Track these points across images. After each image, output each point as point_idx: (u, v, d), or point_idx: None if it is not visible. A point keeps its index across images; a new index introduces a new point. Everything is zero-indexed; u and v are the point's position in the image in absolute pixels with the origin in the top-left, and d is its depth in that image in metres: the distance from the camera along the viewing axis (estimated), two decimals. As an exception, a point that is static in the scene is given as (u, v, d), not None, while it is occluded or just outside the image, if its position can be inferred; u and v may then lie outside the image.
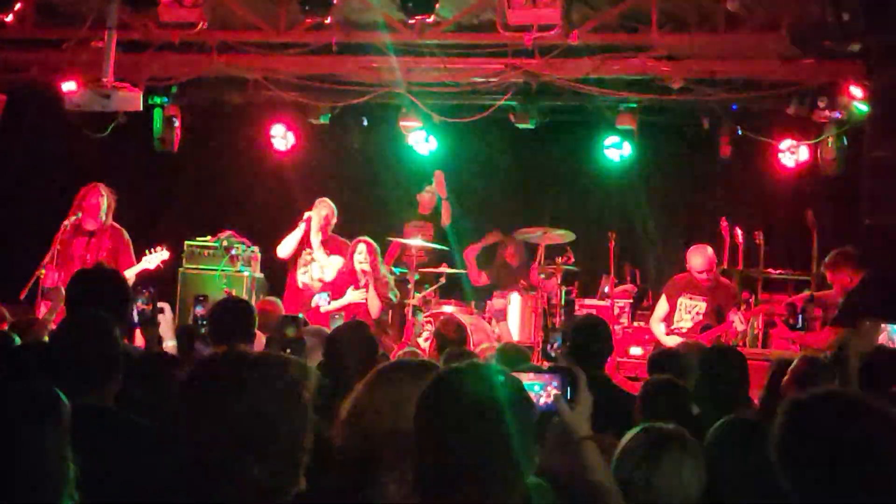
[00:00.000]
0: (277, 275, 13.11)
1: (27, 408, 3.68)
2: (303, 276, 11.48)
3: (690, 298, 10.74)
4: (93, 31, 10.91)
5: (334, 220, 11.79)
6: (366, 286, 11.40)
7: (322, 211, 11.64)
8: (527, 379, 3.34)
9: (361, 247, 11.53)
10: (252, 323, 6.70)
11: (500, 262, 13.62)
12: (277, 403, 2.71)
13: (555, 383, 3.43)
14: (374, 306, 11.44)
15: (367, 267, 11.44)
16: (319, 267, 11.52)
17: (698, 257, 10.78)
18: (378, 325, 11.04)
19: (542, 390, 3.43)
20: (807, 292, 11.18)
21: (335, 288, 11.37)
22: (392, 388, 3.32)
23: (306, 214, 11.61)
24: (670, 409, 5.18)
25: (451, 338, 8.91)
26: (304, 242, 11.70)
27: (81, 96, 10.18)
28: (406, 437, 3.20)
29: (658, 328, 10.97)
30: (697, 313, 10.69)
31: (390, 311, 11.95)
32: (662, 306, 10.99)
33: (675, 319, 10.79)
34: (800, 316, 10.20)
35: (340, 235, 11.96)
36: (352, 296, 11.41)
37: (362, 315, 11.31)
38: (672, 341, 10.39)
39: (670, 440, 3.95)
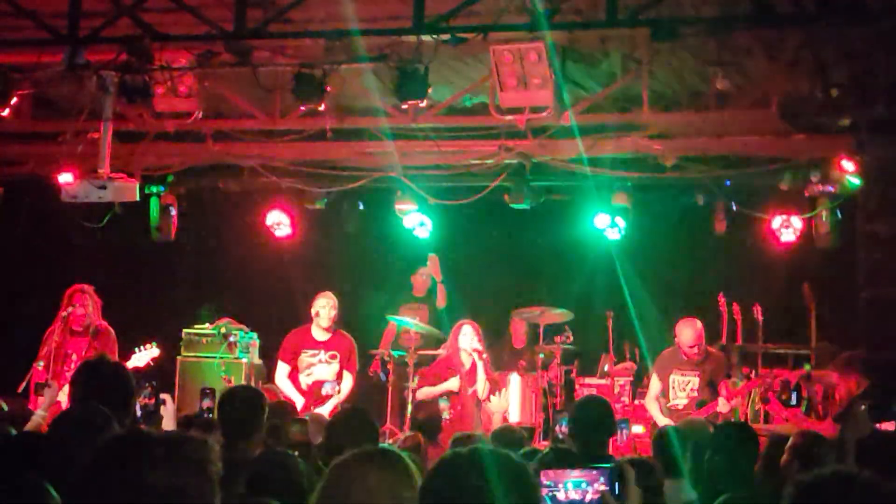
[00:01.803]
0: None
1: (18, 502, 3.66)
2: (306, 379, 11.23)
3: (682, 374, 10.70)
4: (88, 123, 11.00)
5: (335, 313, 11.45)
6: (473, 367, 11.50)
7: (332, 311, 11.34)
8: (573, 476, 3.32)
9: (467, 328, 11.62)
10: (263, 412, 6.67)
11: (506, 343, 13.62)
12: (185, 478, 2.70)
13: (602, 479, 3.41)
14: (483, 389, 11.46)
15: (477, 345, 11.49)
16: (323, 369, 11.27)
17: (688, 330, 10.77)
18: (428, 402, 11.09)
19: (588, 487, 3.41)
20: (803, 368, 11.17)
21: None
22: (358, 477, 3.30)
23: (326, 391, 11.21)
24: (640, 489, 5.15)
25: (419, 419, 8.95)
26: (302, 344, 11.38)
27: (78, 188, 10.22)
28: None
29: (653, 407, 10.91)
30: (692, 389, 10.65)
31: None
32: (655, 384, 10.95)
33: (670, 397, 10.74)
34: (794, 393, 10.18)
35: (340, 320, 11.87)
36: (450, 384, 11.44)
37: (465, 398, 11.40)
38: (664, 421, 10.34)
39: None
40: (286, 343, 11.54)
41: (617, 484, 3.45)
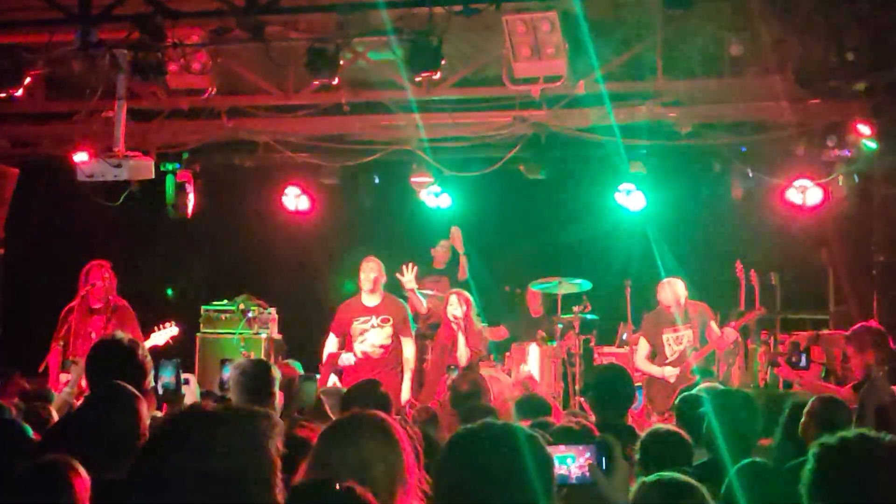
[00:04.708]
0: (295, 336, 13.13)
1: (45, 481, 3.71)
2: (361, 346, 11.24)
3: (675, 332, 10.98)
4: (102, 102, 10.98)
5: (384, 279, 11.46)
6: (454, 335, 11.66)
7: (371, 274, 11.32)
8: (559, 451, 3.35)
9: (453, 298, 11.82)
10: (272, 383, 6.70)
11: (523, 314, 13.66)
12: (246, 458, 2.63)
13: (588, 454, 3.44)
14: (463, 355, 11.56)
15: (458, 313, 11.64)
16: (376, 334, 11.31)
17: (664, 291, 11.19)
18: (468, 371, 11.13)
19: (573, 462, 3.44)
20: (812, 331, 11.28)
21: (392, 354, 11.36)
22: (352, 444, 3.33)
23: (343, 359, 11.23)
24: (670, 459, 5.15)
25: (464, 391, 8.94)
26: (353, 313, 11.36)
27: (93, 167, 10.23)
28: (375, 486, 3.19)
29: (645, 364, 11.17)
30: (689, 342, 10.94)
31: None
32: (643, 346, 11.31)
33: (667, 354, 10.97)
34: (803, 355, 10.23)
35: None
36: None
37: (451, 360, 11.59)
38: (669, 371, 10.88)
39: (686, 492, 3.89)
40: (337, 315, 11.50)
41: (604, 458, 3.47)
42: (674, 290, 11.08)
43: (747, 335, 11.93)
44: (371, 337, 11.27)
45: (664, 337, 11.06)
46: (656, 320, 11.19)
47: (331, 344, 11.38)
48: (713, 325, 11.05)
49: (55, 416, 6.72)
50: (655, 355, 11.16)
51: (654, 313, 11.25)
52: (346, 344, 11.35)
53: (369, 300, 11.37)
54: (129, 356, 5.65)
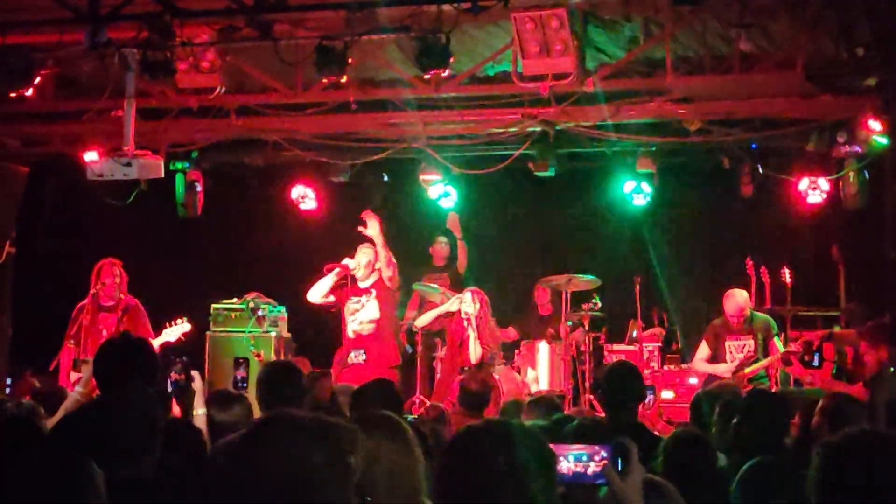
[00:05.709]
0: (305, 334, 13.12)
1: (60, 478, 3.71)
2: (352, 325, 11.37)
3: (737, 339, 11.16)
4: (112, 101, 11.01)
5: (367, 259, 11.55)
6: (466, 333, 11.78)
7: (364, 259, 11.48)
8: (573, 449, 3.34)
9: (467, 295, 11.93)
10: (301, 383, 6.70)
11: (533, 311, 13.66)
12: (324, 468, 2.71)
13: (603, 454, 3.42)
14: (474, 353, 11.67)
15: (470, 310, 11.75)
16: (364, 312, 11.41)
17: (729, 301, 11.27)
18: (481, 368, 11.16)
19: (589, 460, 3.42)
20: (824, 329, 11.31)
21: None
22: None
23: (346, 261, 11.47)
24: (694, 464, 5.13)
25: (472, 390, 8.92)
26: (351, 291, 11.50)
27: (103, 166, 10.24)
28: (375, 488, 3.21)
29: (703, 366, 11.34)
30: (749, 351, 11.06)
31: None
32: (703, 349, 11.44)
33: (728, 360, 11.10)
34: (816, 354, 10.25)
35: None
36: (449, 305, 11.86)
37: (463, 358, 11.75)
38: (724, 367, 11.02)
39: (655, 490, 3.85)
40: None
41: (620, 459, 3.46)
42: (737, 301, 11.22)
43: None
44: (361, 314, 11.41)
45: (727, 344, 11.26)
46: (720, 328, 11.35)
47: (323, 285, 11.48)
48: (776, 340, 11.17)
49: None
50: (715, 360, 11.30)
51: (719, 321, 11.38)
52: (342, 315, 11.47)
53: (363, 283, 11.54)
54: (138, 355, 5.67)
